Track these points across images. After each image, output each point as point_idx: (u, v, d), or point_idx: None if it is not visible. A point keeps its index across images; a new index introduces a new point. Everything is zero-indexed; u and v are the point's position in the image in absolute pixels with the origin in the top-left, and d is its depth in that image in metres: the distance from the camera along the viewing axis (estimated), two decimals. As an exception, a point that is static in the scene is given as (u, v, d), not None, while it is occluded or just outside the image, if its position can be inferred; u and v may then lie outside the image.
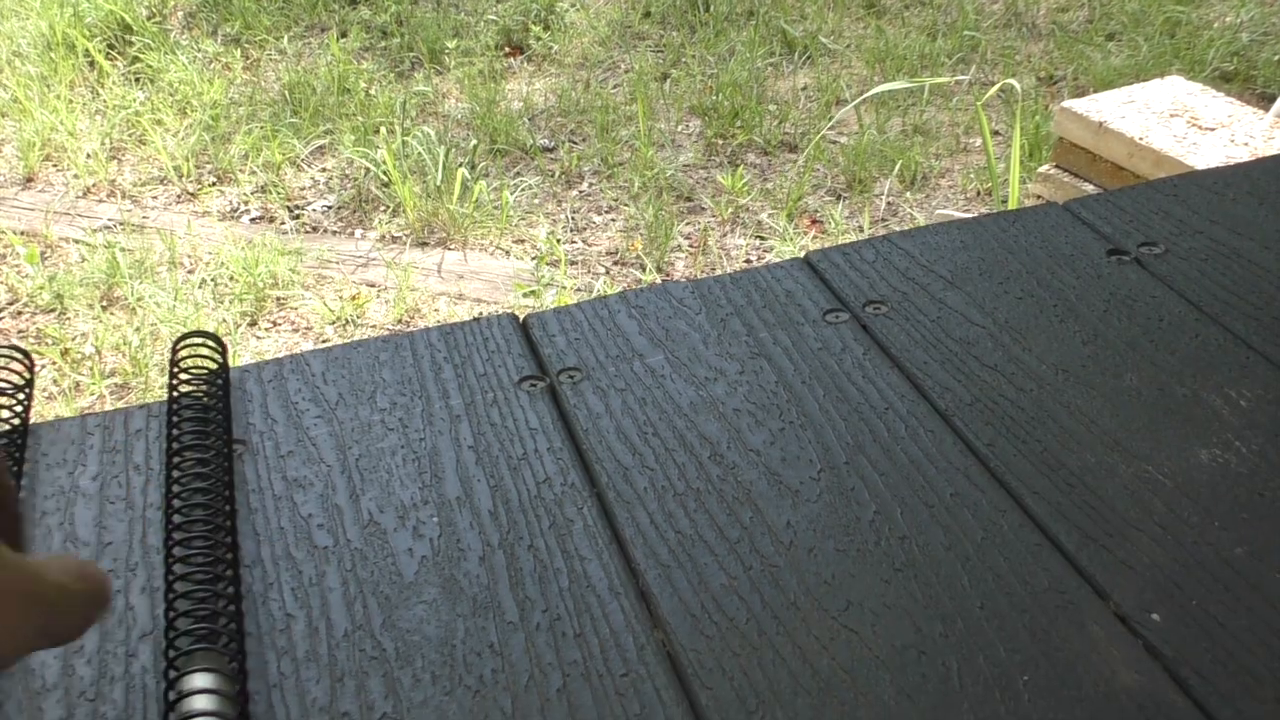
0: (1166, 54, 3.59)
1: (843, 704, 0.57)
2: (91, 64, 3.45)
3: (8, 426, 0.72)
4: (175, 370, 0.76)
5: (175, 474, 0.68)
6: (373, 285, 2.68)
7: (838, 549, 0.65)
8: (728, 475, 0.71)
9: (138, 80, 3.45)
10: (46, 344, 2.36)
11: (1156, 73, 3.13)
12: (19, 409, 0.73)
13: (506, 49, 3.79)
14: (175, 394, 0.75)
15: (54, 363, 2.30)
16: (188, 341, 0.77)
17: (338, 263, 2.73)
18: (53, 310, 2.44)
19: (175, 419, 0.72)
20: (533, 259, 2.79)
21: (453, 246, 2.84)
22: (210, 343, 0.77)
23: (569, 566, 0.65)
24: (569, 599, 0.63)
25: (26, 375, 0.75)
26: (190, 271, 2.65)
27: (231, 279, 2.59)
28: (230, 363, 0.78)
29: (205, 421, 0.72)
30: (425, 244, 2.84)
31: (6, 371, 0.75)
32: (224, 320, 2.44)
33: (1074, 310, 0.83)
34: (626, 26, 3.93)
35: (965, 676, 0.58)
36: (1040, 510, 0.67)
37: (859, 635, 0.61)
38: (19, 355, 0.75)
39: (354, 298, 2.59)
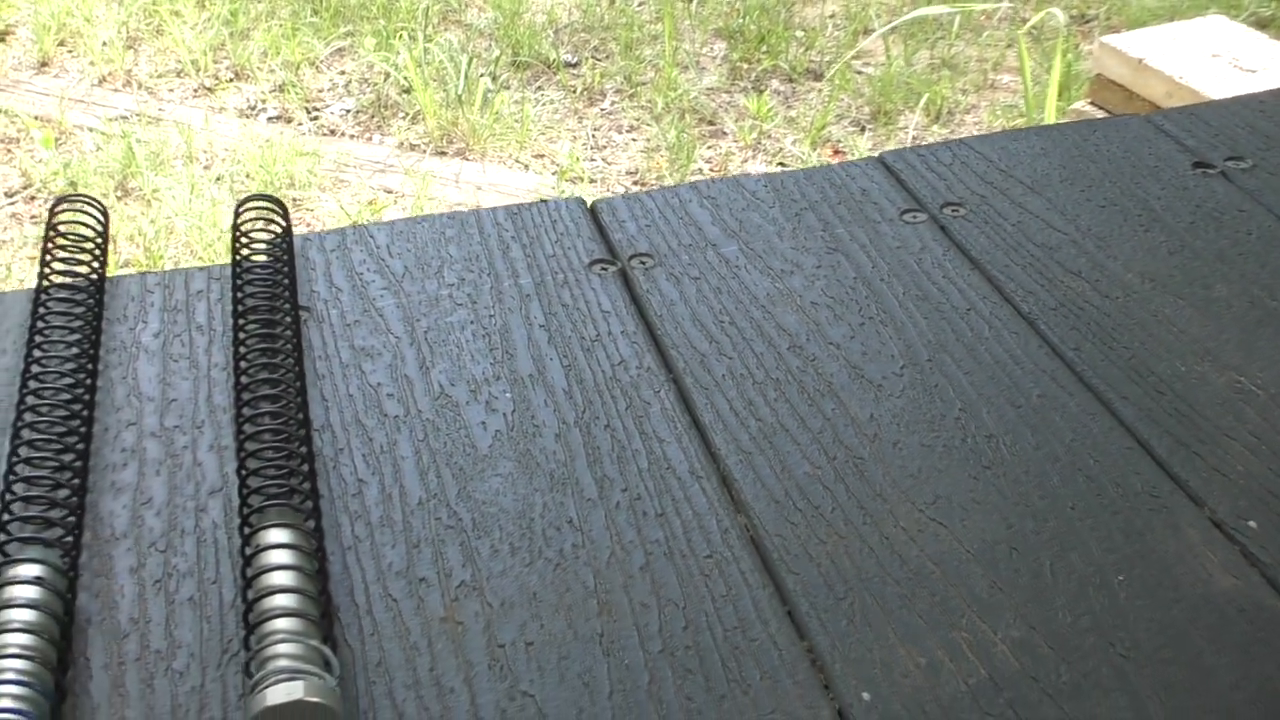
0: (1203, -1, 3.52)
1: (933, 594, 0.56)
2: (107, -49, 3.37)
3: (89, 279, 0.70)
4: (238, 234, 0.74)
5: (242, 335, 0.66)
6: (390, 191, 2.64)
7: (923, 444, 0.64)
8: (807, 367, 0.69)
9: (154, -30, 3.36)
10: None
11: (1193, 14, 3.08)
12: (97, 262, 0.71)
13: (531, -41, 3.71)
14: (239, 257, 0.72)
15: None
16: (250, 205, 0.75)
17: (355, 167, 2.69)
18: (66, 199, 2.39)
19: (239, 281, 0.70)
20: (552, 174, 2.75)
21: (471, 157, 2.79)
22: (274, 207, 0.75)
23: (647, 448, 0.63)
24: (649, 480, 0.61)
25: (101, 226, 0.73)
26: (206, 167, 2.61)
27: (248, 176, 2.55)
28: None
29: (272, 284, 0.70)
30: (444, 153, 2.79)
31: (86, 221, 0.73)
32: (240, 218, 2.40)
33: (1159, 220, 0.81)
34: (654, -57, 3.84)
35: (1059, 573, 0.57)
36: (1130, 415, 0.66)
37: (948, 529, 0.59)
38: (95, 205, 0.73)
39: (371, 203, 2.55)
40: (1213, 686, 0.52)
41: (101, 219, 0.73)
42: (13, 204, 2.43)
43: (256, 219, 0.74)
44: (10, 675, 0.47)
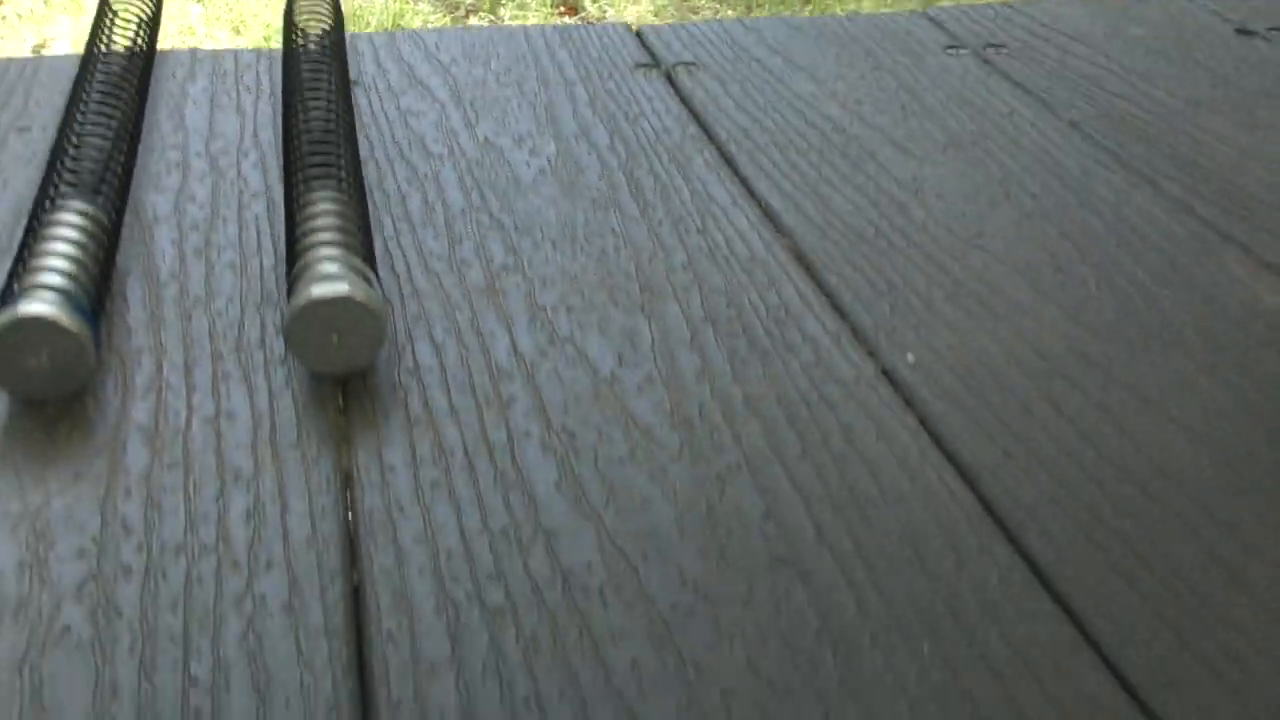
0: None
1: (980, 301, 0.55)
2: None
3: (139, 49, 0.71)
4: (290, 22, 0.75)
5: (292, 85, 0.66)
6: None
7: (965, 197, 0.64)
8: (850, 142, 0.69)
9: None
10: None
11: None
12: (148, 35, 0.72)
13: None
14: (291, 36, 0.73)
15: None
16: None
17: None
18: None
19: (289, 58, 0.71)
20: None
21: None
22: (327, 2, 0.76)
23: (690, 186, 0.63)
24: (691, 206, 0.61)
25: (154, 5, 0.74)
26: None
27: None
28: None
29: (321, 60, 0.71)
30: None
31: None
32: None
33: (1202, 65, 0.81)
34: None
35: (1103, 288, 0.56)
36: (1173, 189, 0.65)
37: (991, 253, 0.59)
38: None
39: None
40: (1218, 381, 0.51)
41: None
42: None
43: (309, 12, 0.75)
44: (53, 280, 0.46)
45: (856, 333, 0.52)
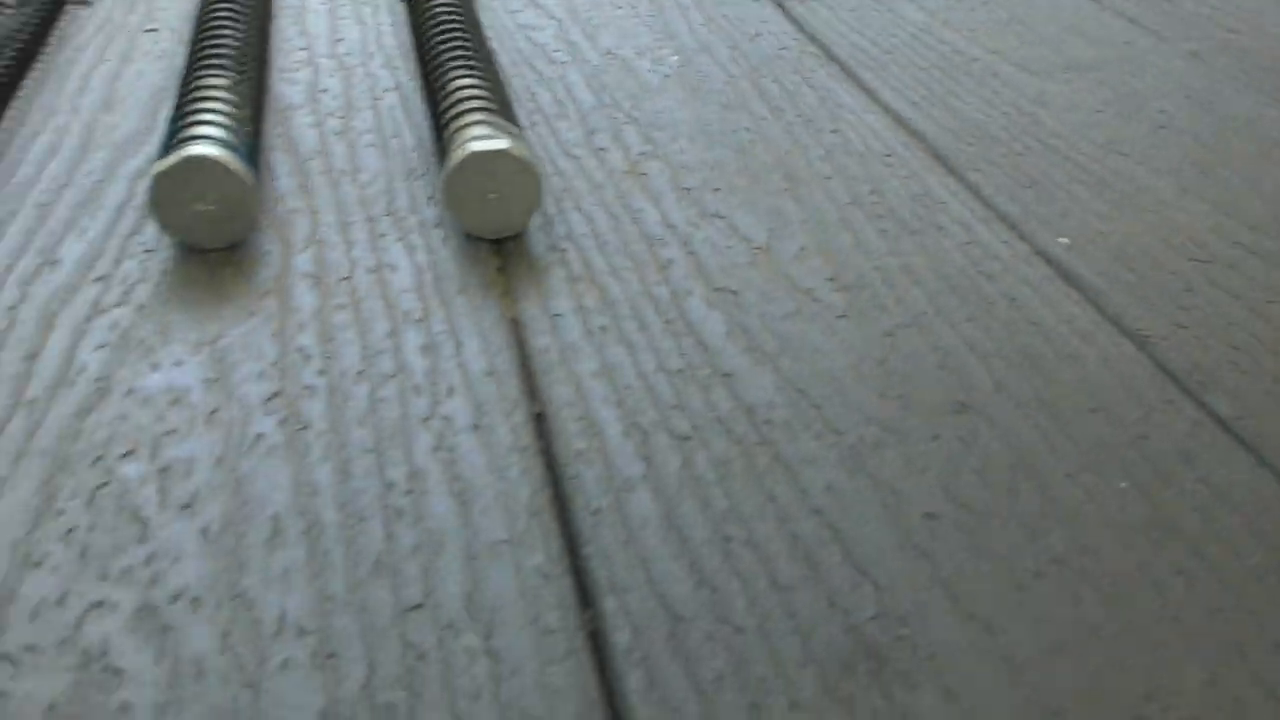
0: None
1: (1125, 196, 0.54)
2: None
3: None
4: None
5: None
6: None
7: (1095, 110, 0.63)
8: (971, 62, 0.69)
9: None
10: None
11: None
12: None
13: None
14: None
15: None
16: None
17: None
18: None
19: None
20: None
21: None
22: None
23: (816, 93, 0.63)
24: (821, 109, 0.61)
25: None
26: None
27: None
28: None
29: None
30: None
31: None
32: None
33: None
34: None
35: (1250, 189, 0.56)
36: None
37: (1130, 157, 0.58)
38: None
39: None
40: None
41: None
42: None
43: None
44: (217, 132, 0.46)
45: (1004, 218, 0.52)
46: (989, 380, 0.41)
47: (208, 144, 0.44)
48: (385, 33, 0.68)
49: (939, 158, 0.57)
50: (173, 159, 0.43)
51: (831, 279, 0.46)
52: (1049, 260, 0.49)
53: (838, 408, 0.39)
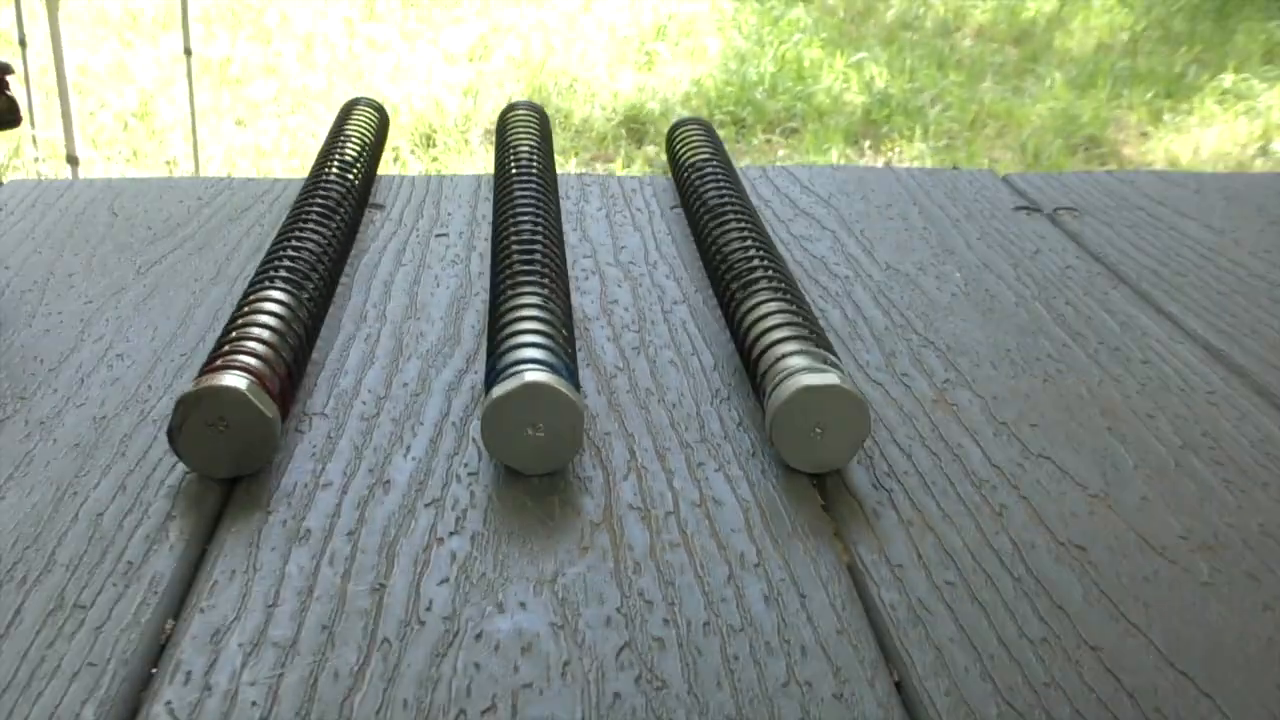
0: None
1: None
2: None
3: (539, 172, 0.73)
4: (674, 148, 0.77)
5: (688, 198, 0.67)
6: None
7: None
8: (1276, 288, 0.65)
9: None
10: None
11: None
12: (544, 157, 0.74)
13: None
14: (679, 165, 0.75)
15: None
16: (686, 126, 0.78)
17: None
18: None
19: (679, 181, 0.72)
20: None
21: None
22: (705, 128, 0.78)
23: (1115, 319, 0.61)
24: (1124, 337, 0.58)
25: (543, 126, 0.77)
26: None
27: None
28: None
29: (709, 180, 0.72)
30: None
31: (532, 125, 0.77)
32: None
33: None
34: None
35: None
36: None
37: None
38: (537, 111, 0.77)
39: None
40: None
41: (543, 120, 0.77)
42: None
43: (692, 138, 0.77)
44: (543, 355, 0.46)
45: (1359, 471, 0.48)
46: (1395, 671, 0.37)
47: (542, 370, 0.44)
48: (663, 239, 0.69)
49: (1267, 396, 0.53)
50: (509, 386, 0.43)
51: (1184, 537, 0.43)
52: None
53: (1232, 698, 0.35)
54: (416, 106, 3.28)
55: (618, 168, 2.98)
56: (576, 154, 3.07)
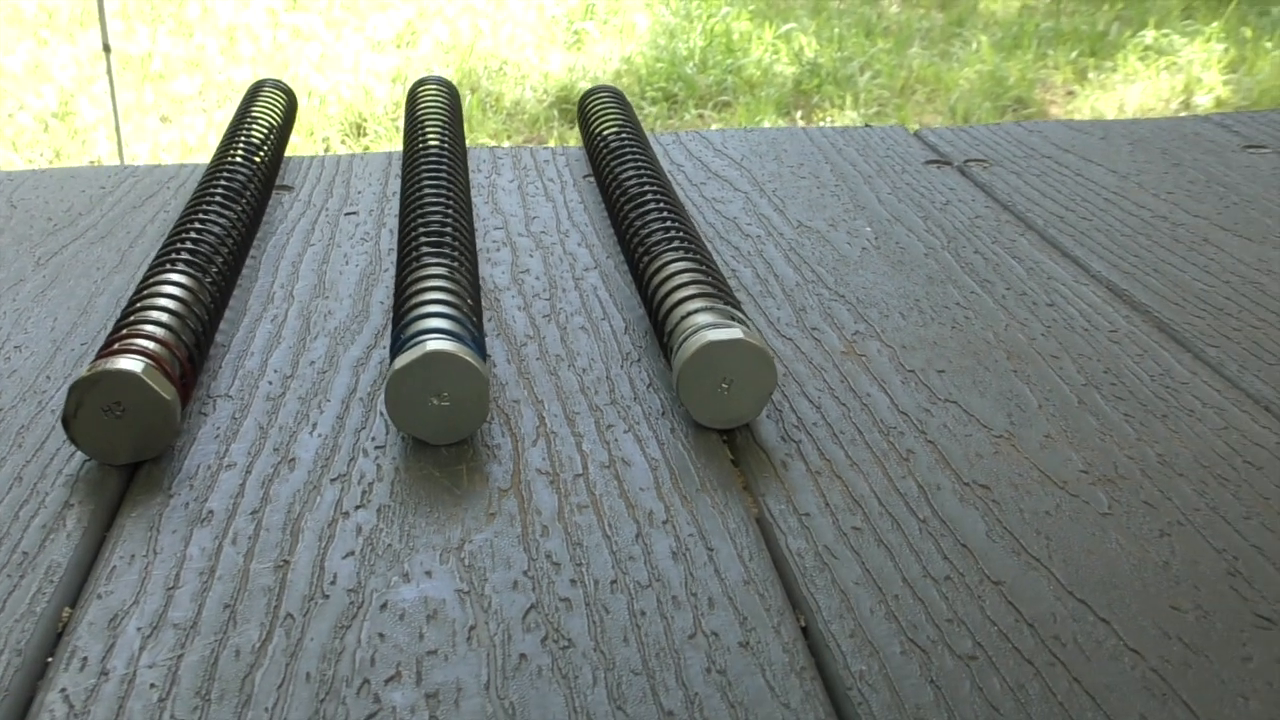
0: None
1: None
2: None
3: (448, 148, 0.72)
4: (586, 119, 0.77)
5: (604, 169, 0.67)
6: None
7: None
8: (1176, 227, 0.66)
9: None
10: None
11: None
12: (453, 134, 0.74)
13: None
14: (591, 135, 0.75)
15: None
16: (596, 94, 0.78)
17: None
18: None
19: (591, 151, 0.72)
20: None
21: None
22: (616, 96, 0.77)
23: (1023, 265, 0.61)
24: (1031, 282, 0.59)
25: (454, 101, 0.76)
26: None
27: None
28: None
29: (623, 151, 0.72)
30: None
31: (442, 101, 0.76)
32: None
33: None
34: None
35: None
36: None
37: None
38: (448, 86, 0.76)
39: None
40: None
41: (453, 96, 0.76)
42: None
43: (602, 108, 0.77)
44: (449, 325, 0.46)
45: (1256, 400, 0.49)
46: (1288, 589, 0.38)
47: (445, 339, 0.44)
48: (574, 207, 0.68)
49: (1168, 332, 0.54)
50: (411, 356, 0.43)
51: (1085, 471, 0.44)
52: (1318, 447, 0.45)
53: (1128, 622, 0.36)
54: (345, 95, 3.24)
55: (550, 148, 2.97)
56: (509, 137, 3.05)
